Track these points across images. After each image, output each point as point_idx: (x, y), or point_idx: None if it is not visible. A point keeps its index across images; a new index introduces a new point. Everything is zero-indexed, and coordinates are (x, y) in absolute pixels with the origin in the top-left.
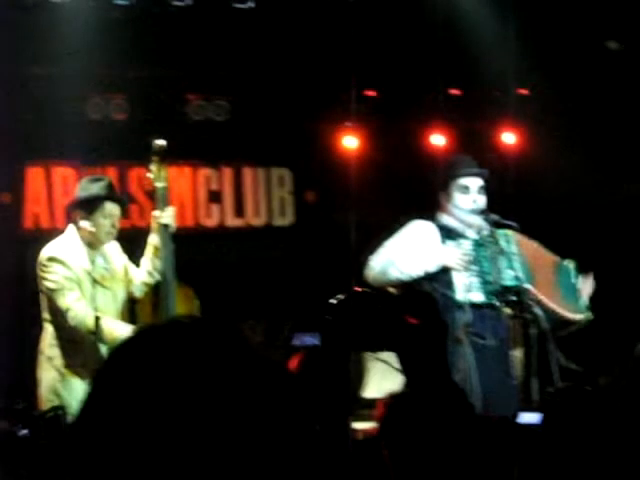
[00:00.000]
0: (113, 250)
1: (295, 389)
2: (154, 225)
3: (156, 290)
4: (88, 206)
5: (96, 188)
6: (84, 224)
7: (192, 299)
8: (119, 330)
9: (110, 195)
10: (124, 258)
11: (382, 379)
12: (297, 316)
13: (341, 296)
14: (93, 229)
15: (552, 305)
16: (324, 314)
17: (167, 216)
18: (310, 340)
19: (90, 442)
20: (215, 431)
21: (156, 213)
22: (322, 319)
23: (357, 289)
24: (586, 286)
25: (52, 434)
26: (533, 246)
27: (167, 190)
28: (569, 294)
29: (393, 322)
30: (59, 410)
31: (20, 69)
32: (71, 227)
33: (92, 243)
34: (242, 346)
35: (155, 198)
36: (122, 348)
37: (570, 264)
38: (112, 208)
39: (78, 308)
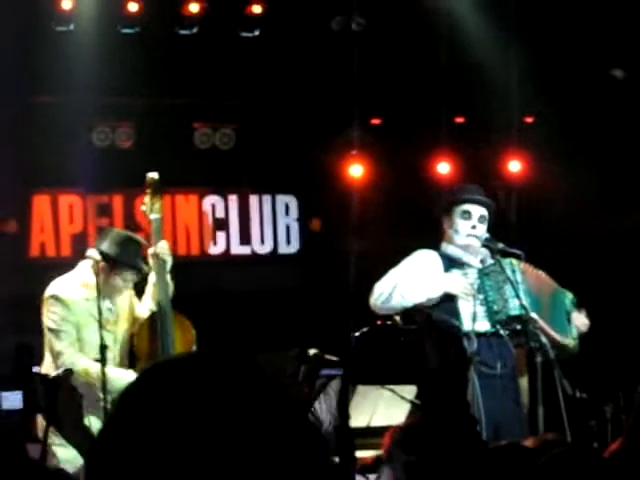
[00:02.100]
0: None
1: (309, 422)
2: (151, 260)
3: (152, 322)
4: (113, 264)
5: (129, 253)
6: (101, 277)
7: (189, 330)
8: (113, 374)
9: (136, 264)
10: (131, 295)
11: (388, 407)
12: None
13: (364, 329)
14: (107, 283)
15: (543, 325)
16: (347, 346)
17: (161, 249)
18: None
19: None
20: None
21: (150, 249)
22: (345, 351)
23: (379, 322)
24: (579, 319)
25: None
26: (538, 275)
27: (161, 222)
28: (560, 318)
29: (415, 355)
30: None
31: (26, 97)
32: (84, 266)
33: (101, 290)
34: (258, 380)
35: (150, 230)
36: (140, 382)
37: (569, 295)
38: (132, 276)
39: (68, 354)
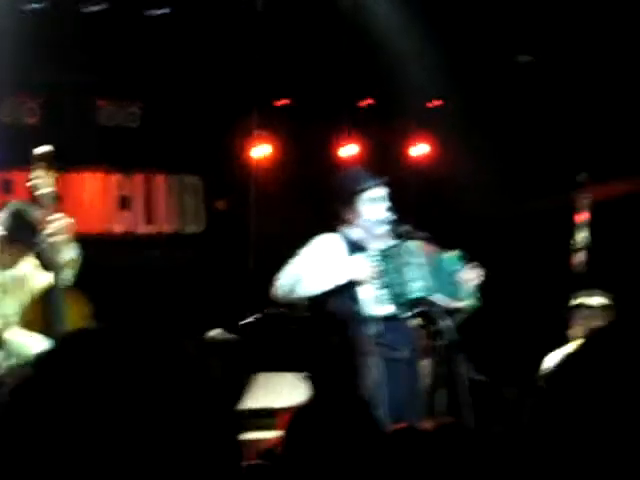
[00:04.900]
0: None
1: (222, 396)
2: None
3: (45, 295)
4: (7, 237)
5: (22, 227)
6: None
7: (84, 304)
8: (23, 340)
9: (26, 238)
10: (32, 263)
11: (292, 389)
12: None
13: (253, 317)
14: (4, 253)
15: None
16: (235, 334)
17: (54, 224)
18: None
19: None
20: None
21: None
22: (232, 339)
23: (268, 310)
24: (469, 275)
25: None
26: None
27: (54, 194)
28: (445, 283)
29: (304, 343)
30: None
31: None
32: None
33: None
34: (174, 353)
35: (42, 204)
36: (50, 355)
37: (451, 255)
38: (26, 248)
39: None
